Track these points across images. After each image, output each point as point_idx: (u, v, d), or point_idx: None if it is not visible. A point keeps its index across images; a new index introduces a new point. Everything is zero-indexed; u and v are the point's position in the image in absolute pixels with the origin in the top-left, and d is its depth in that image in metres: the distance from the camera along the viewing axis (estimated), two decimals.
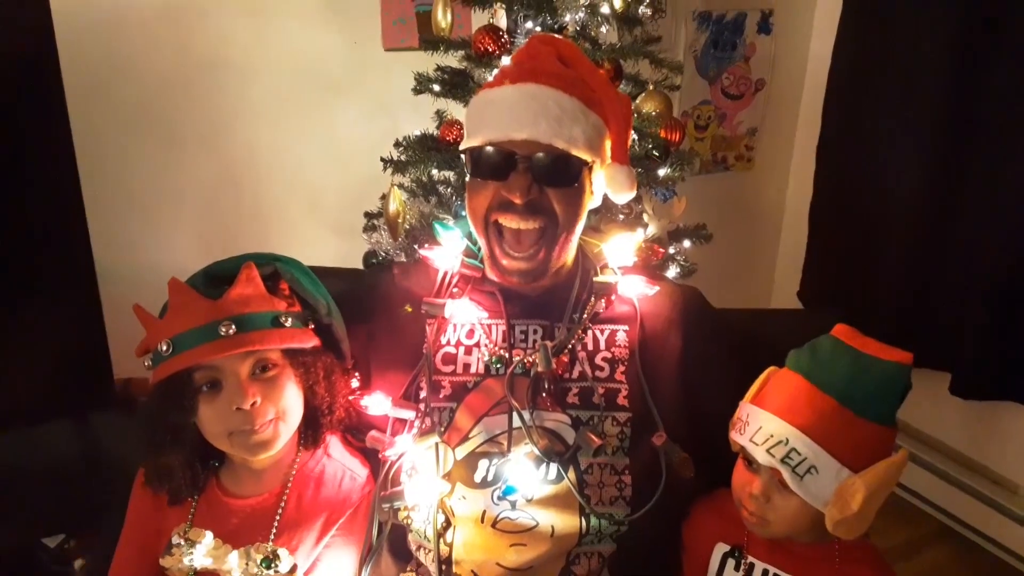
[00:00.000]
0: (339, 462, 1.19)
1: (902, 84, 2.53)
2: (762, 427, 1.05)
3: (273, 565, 1.10)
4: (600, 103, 1.14)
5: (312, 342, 1.12)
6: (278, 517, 1.13)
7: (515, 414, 1.10)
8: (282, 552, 1.10)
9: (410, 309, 1.21)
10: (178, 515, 1.15)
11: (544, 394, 1.12)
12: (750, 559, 1.14)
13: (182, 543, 1.11)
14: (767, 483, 1.05)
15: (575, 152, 1.10)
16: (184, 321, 1.03)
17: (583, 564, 1.11)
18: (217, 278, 1.09)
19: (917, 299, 2.57)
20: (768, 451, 1.03)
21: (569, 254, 1.20)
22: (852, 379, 1.02)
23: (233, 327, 1.02)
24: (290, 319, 1.09)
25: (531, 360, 1.13)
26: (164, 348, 1.03)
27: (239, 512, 1.14)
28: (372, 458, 1.20)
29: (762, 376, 1.13)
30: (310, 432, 1.16)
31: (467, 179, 1.18)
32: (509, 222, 1.12)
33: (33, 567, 1.82)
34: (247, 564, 1.09)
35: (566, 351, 1.16)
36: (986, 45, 2.31)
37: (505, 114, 1.10)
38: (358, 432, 1.19)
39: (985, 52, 2.31)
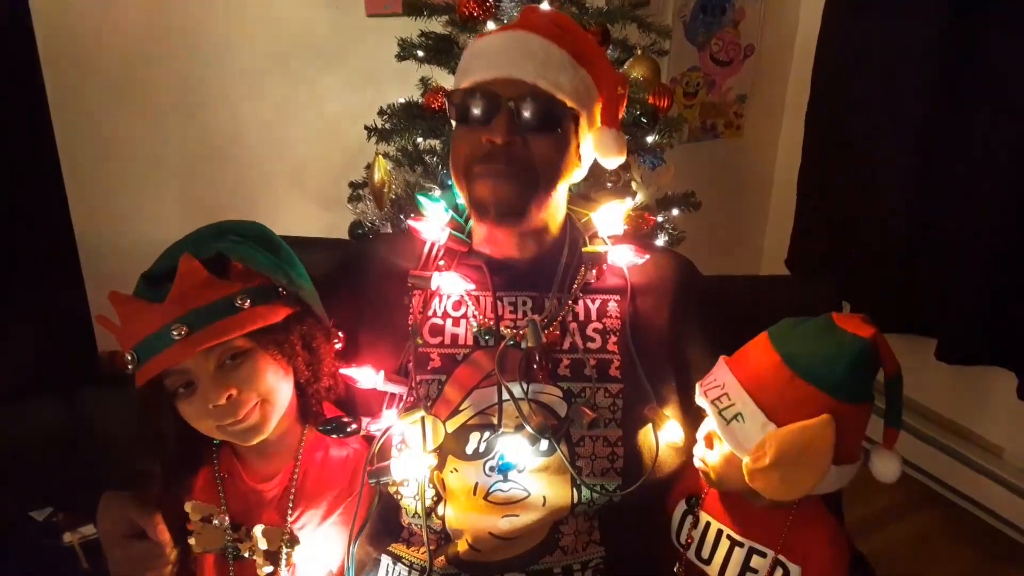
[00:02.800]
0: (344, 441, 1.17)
1: (892, 50, 2.51)
2: (714, 373, 1.08)
3: (293, 545, 1.10)
4: (592, 64, 1.13)
5: (280, 315, 1.06)
6: (292, 497, 1.11)
7: (505, 390, 1.09)
8: (299, 534, 1.10)
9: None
10: (204, 497, 1.12)
11: (536, 367, 1.11)
12: (705, 517, 1.15)
13: (217, 522, 1.09)
14: (709, 429, 1.08)
15: (559, 96, 1.09)
16: (137, 331, 0.99)
17: (571, 524, 1.11)
18: (157, 278, 1.03)
19: (903, 266, 2.58)
20: (705, 391, 1.06)
21: (553, 216, 1.18)
22: (805, 342, 1.01)
23: (184, 328, 0.96)
24: (248, 299, 1.02)
25: (521, 335, 1.12)
26: (129, 359, 0.99)
27: (260, 495, 1.12)
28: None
29: None
30: (303, 405, 1.14)
31: (453, 131, 1.17)
32: (489, 163, 1.10)
33: (21, 540, 1.82)
34: (269, 544, 1.09)
35: (556, 322, 1.15)
36: (977, 9, 2.29)
37: (492, 57, 1.11)
38: (342, 425, 1.12)
39: (976, 16, 2.29)
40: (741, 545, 1.11)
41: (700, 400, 1.07)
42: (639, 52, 1.88)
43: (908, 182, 2.52)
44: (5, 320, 1.84)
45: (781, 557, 1.08)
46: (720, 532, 1.13)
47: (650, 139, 1.87)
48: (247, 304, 1.02)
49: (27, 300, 1.88)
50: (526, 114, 1.08)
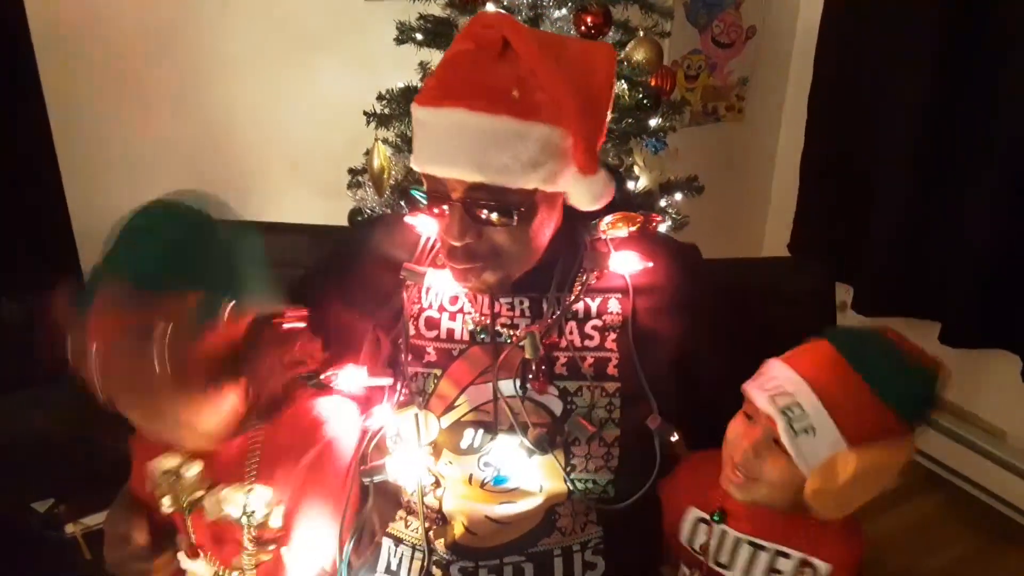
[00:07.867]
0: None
1: (895, 31, 2.49)
2: (775, 377, 1.00)
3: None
4: (554, 103, 0.96)
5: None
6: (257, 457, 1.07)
7: (501, 398, 1.07)
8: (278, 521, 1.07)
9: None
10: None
11: (531, 378, 1.08)
12: (723, 528, 1.09)
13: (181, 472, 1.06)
14: (763, 437, 1.00)
15: (509, 183, 0.97)
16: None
17: (568, 506, 1.10)
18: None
19: (907, 249, 2.57)
20: (771, 397, 0.97)
21: (546, 239, 1.10)
22: (885, 361, 0.97)
23: None
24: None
25: (518, 336, 1.09)
26: None
27: (222, 453, 1.08)
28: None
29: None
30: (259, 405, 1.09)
31: None
32: (454, 263, 1.04)
33: (23, 532, 1.82)
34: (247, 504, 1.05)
35: (555, 328, 1.10)
36: None
37: (430, 145, 0.99)
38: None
39: None
40: (765, 549, 1.07)
41: (766, 406, 0.98)
42: (641, 34, 1.86)
43: (912, 165, 2.50)
44: (4, 314, 1.84)
45: (811, 558, 1.04)
46: (738, 540, 1.09)
47: (653, 122, 1.85)
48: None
49: (26, 294, 1.87)
50: (478, 213, 0.99)
